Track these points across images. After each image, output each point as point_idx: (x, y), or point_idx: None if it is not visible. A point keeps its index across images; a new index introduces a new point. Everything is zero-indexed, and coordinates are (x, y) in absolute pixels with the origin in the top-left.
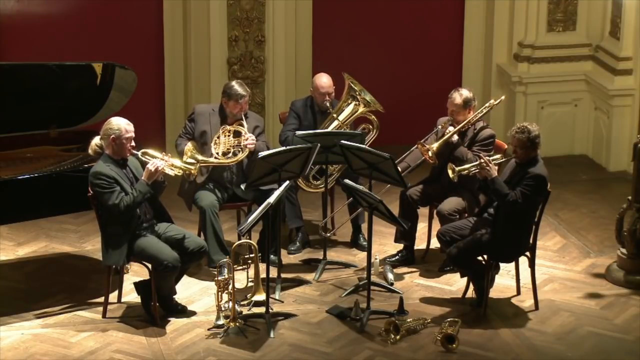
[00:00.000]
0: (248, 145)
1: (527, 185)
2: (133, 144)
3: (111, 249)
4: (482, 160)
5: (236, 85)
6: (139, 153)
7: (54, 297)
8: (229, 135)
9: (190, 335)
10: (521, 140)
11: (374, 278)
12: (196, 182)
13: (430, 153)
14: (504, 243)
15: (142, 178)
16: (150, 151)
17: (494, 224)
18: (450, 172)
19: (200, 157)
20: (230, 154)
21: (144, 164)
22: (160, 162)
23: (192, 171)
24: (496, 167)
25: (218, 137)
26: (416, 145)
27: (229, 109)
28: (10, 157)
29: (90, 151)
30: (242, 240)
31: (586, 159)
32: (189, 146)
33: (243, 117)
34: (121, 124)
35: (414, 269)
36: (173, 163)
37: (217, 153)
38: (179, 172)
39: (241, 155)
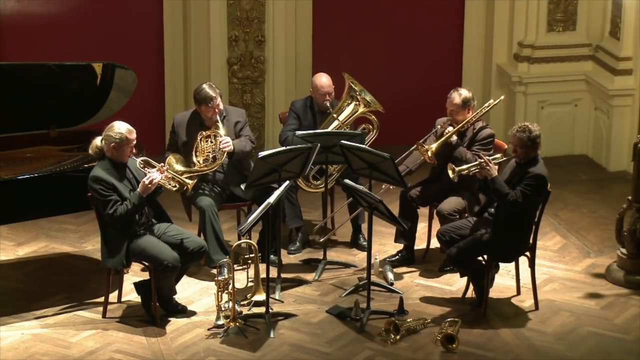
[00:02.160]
0: (224, 149)
1: (527, 185)
2: (134, 150)
3: (111, 251)
4: (482, 160)
5: (206, 88)
6: (139, 160)
7: (54, 297)
8: (207, 141)
9: (190, 335)
10: (522, 140)
11: (374, 278)
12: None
13: (429, 153)
14: (504, 243)
15: (137, 190)
16: (150, 161)
17: (494, 224)
18: (450, 172)
19: (180, 168)
20: (210, 160)
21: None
22: (157, 175)
23: (189, 186)
24: (496, 167)
25: (198, 145)
26: (415, 146)
27: (203, 113)
28: (10, 157)
29: (90, 151)
30: (242, 240)
31: (586, 159)
32: (169, 159)
33: (219, 119)
34: (123, 132)
35: (414, 269)
36: (171, 175)
37: (199, 161)
38: (174, 187)
39: (220, 159)
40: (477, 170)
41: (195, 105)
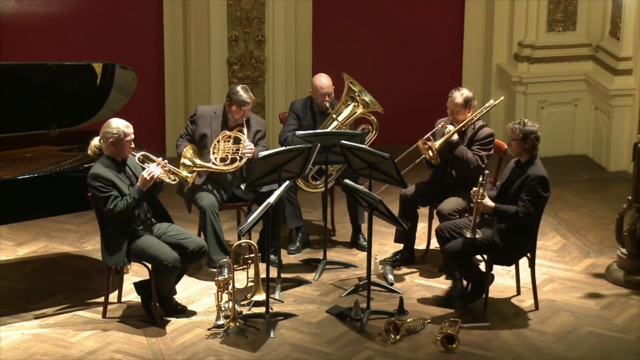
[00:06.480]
0: (246, 154)
1: (531, 191)
2: (133, 145)
3: (111, 250)
4: (475, 200)
5: (241, 91)
6: (138, 155)
7: (54, 297)
8: (228, 141)
9: (190, 335)
10: (514, 132)
11: (374, 278)
12: (195, 183)
13: (431, 152)
14: (505, 246)
15: (137, 184)
16: (149, 155)
17: (494, 227)
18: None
19: (198, 162)
20: (228, 161)
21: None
22: (156, 169)
23: (189, 179)
24: (486, 195)
25: (217, 142)
26: (415, 145)
27: (231, 113)
28: (10, 157)
29: (89, 152)
30: (242, 240)
31: (586, 159)
32: (188, 149)
33: (244, 123)
34: (120, 127)
35: (414, 269)
36: (170, 169)
37: (215, 159)
38: (174, 181)
39: (239, 164)
40: (474, 204)
41: (226, 103)
